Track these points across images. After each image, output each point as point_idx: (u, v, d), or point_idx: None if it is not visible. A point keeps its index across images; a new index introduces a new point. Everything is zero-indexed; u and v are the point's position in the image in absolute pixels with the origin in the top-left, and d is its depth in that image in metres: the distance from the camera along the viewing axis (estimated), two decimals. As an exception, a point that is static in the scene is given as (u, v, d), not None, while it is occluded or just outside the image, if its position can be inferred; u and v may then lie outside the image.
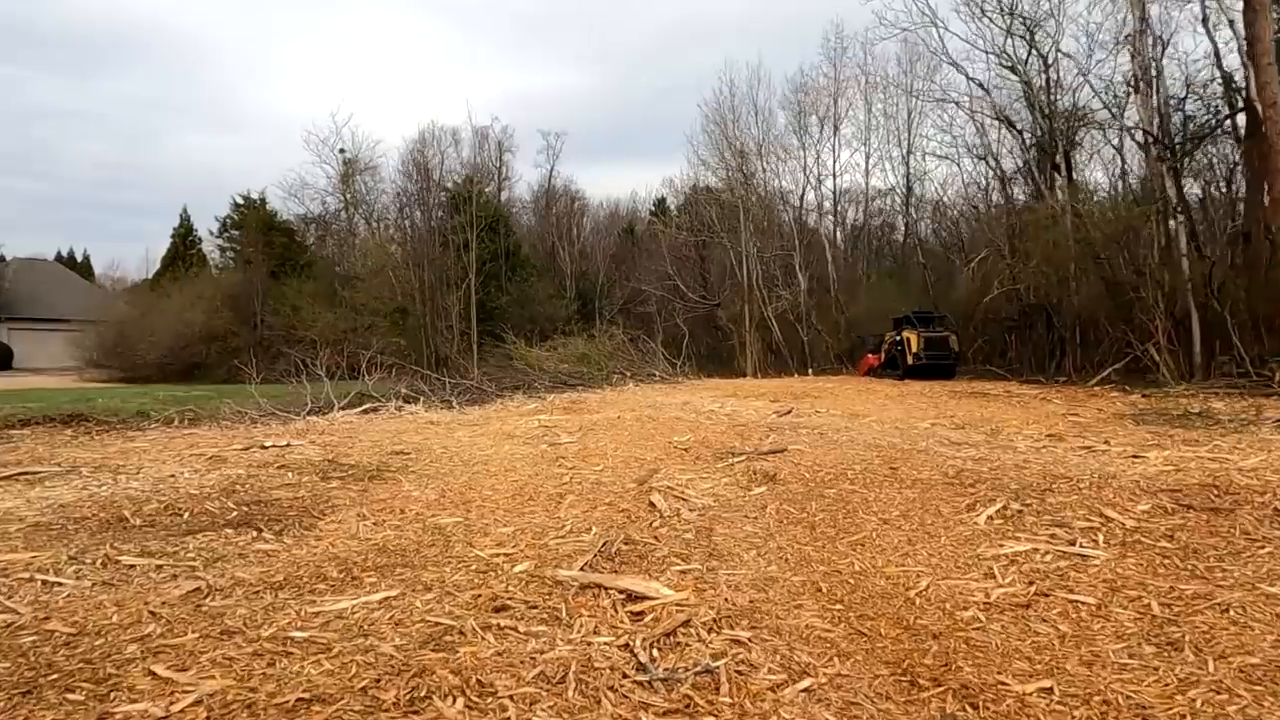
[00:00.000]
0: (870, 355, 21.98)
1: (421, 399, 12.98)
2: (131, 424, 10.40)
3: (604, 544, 4.38)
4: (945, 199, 29.69)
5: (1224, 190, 18.61)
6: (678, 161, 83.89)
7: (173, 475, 6.57)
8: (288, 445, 8.34)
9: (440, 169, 25.07)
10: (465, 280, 22.03)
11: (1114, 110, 16.90)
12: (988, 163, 26.95)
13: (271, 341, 28.61)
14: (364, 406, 12.21)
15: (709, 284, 29.47)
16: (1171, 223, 15.89)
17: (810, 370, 24.35)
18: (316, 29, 70.50)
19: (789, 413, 10.93)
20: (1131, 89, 15.41)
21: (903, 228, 30.73)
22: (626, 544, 4.44)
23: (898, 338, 19.93)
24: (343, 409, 12.15)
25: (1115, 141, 20.15)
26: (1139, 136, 16.32)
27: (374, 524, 4.99)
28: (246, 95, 70.19)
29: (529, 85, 63.48)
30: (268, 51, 68.23)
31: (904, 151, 29.92)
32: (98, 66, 72.94)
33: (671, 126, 67.71)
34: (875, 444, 8.09)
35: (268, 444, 8.32)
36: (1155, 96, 15.76)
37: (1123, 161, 21.20)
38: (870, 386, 16.41)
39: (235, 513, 5.27)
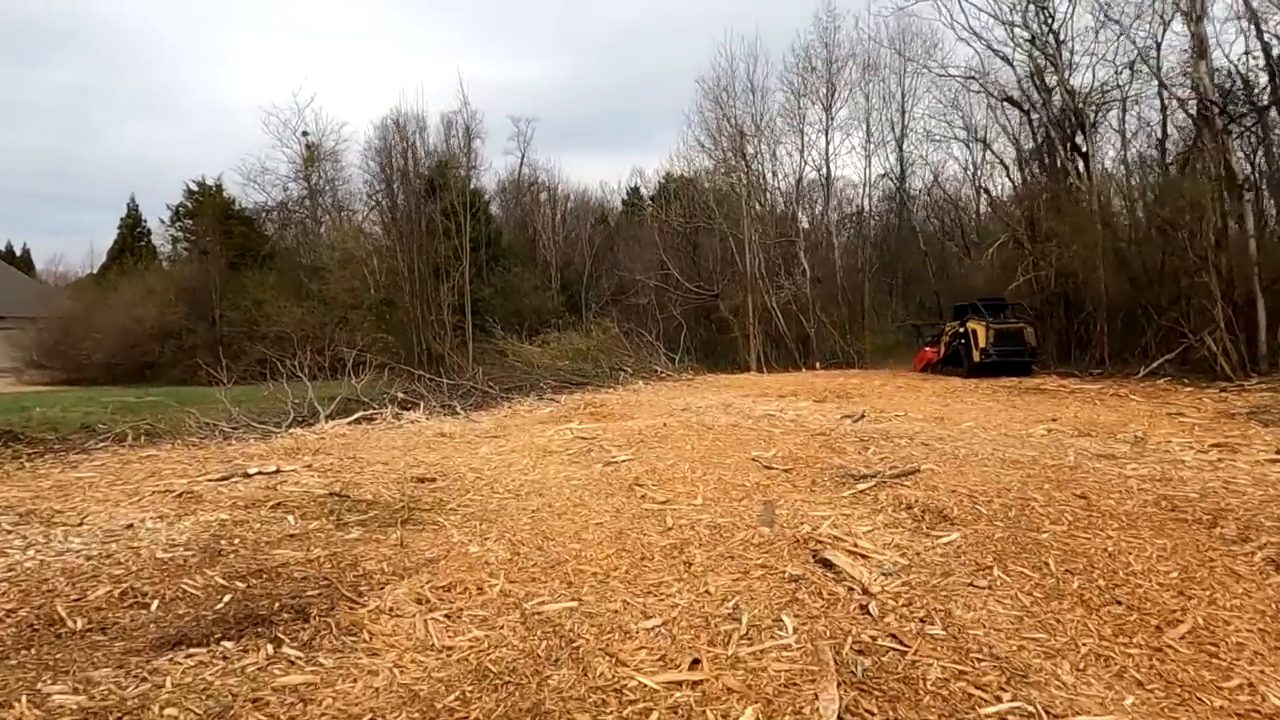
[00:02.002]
0: (927, 349, 19.56)
1: (421, 404, 11.20)
2: (74, 443, 8.48)
3: (835, 657, 2.80)
4: (946, 184, 28.64)
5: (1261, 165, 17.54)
6: (645, 152, 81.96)
7: (130, 526, 4.81)
8: (278, 472, 6.58)
9: (408, 156, 22.91)
10: (459, 268, 19.96)
11: (1163, 81, 15.71)
12: (986, 144, 25.97)
13: (232, 339, 26.32)
14: (355, 415, 10.41)
15: (702, 273, 27.90)
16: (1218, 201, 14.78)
17: (818, 365, 22.97)
18: (269, 13, 66.80)
19: (862, 418, 9.44)
20: (1194, 56, 14.21)
21: (902, 215, 29.44)
22: (861, 652, 2.87)
23: (961, 329, 17.28)
24: (330, 418, 10.35)
25: (1134, 116, 19.09)
26: (1192, 108, 15.18)
27: (447, 617, 3.33)
28: (198, 83, 66.32)
29: (491, 73, 60.96)
30: (220, 38, 64.48)
31: (897, 136, 28.75)
32: (30, 55, 68.07)
33: (638, 118, 65.64)
34: (1010, 459, 6.64)
35: (252, 470, 6.56)
36: (1206, 64, 14.61)
37: (1124, 141, 20.20)
38: (913, 384, 15.03)
39: (229, 596, 3.56)
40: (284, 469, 6.70)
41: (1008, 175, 26.15)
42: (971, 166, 27.71)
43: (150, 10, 66.50)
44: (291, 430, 9.53)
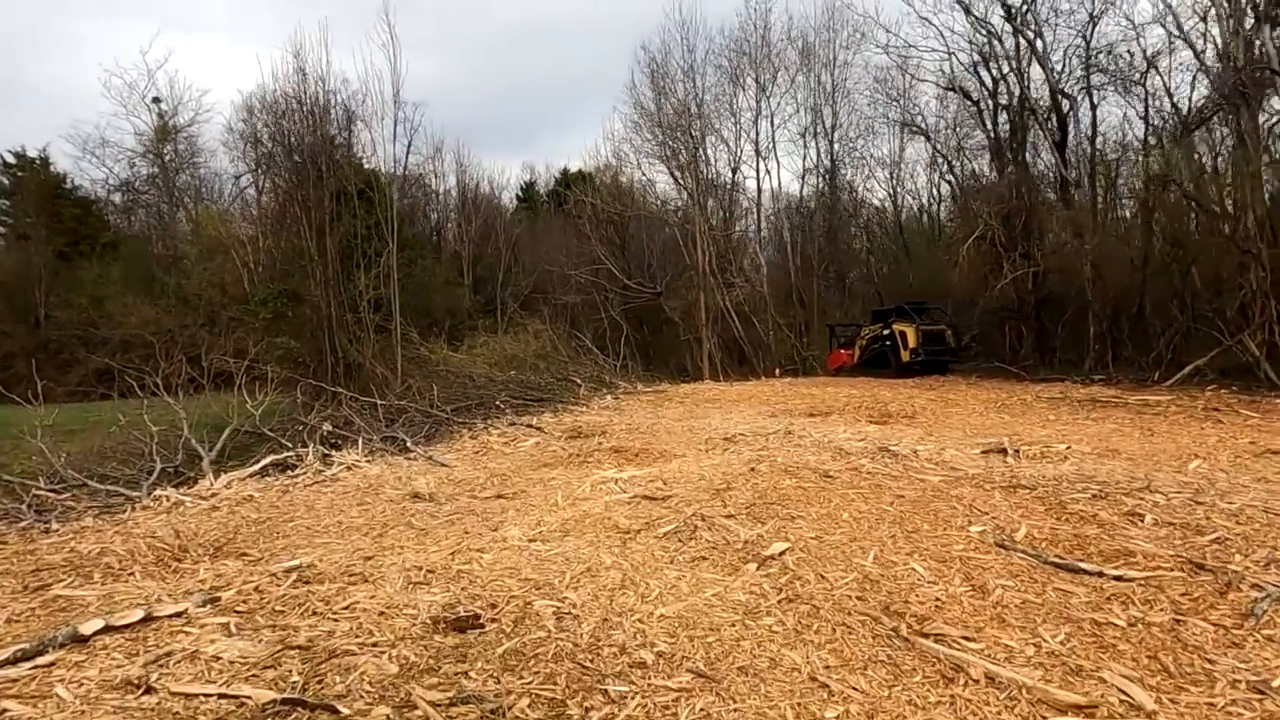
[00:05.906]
0: (842, 350, 19.79)
1: (360, 438, 7.67)
2: None
3: None
4: (886, 179, 27.23)
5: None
6: (535, 151, 78.96)
7: None
8: (148, 622, 3.20)
9: (314, 114, 18.49)
10: (385, 250, 15.82)
11: (1196, 50, 14.26)
12: (926, 136, 24.62)
13: (62, 344, 21.11)
14: (263, 462, 6.82)
15: (635, 270, 25.01)
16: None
17: (778, 371, 20.65)
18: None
19: (1016, 453, 6.87)
20: (1261, 19, 12.72)
21: (835, 210, 27.65)
22: None
23: (885, 331, 17.95)
24: (221, 468, 6.76)
25: (1138, 98, 17.83)
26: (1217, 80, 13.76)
27: None
28: (27, 63, 56.84)
29: (373, 64, 55.60)
30: (63, 18, 55.25)
31: (828, 127, 27.00)
32: None
33: (527, 115, 62.08)
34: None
35: (90, 627, 3.13)
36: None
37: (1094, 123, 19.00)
38: (948, 396, 12.67)
39: None
40: (160, 612, 3.30)
41: (950, 170, 25.00)
42: (908, 161, 26.56)
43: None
44: (160, 493, 5.91)
